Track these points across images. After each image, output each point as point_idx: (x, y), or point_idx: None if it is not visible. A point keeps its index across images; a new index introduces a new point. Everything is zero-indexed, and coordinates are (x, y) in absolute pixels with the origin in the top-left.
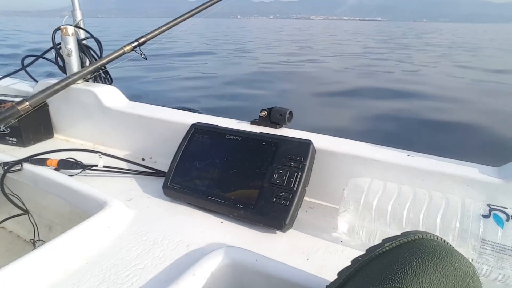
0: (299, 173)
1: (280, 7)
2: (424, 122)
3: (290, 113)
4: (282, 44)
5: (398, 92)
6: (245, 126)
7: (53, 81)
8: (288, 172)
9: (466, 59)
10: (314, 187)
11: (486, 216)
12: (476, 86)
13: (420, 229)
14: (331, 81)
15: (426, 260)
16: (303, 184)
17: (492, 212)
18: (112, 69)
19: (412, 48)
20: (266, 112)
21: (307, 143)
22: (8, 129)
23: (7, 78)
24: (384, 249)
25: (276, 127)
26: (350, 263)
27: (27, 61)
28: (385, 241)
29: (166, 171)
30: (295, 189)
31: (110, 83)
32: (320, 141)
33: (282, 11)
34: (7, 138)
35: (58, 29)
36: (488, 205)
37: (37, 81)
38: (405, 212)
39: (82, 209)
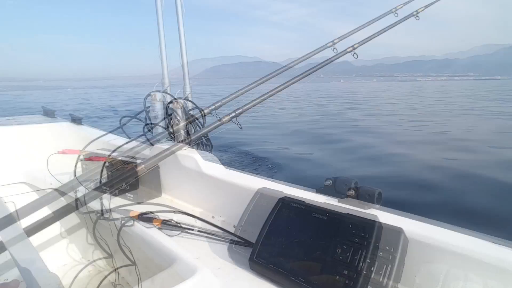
0: (390, 265)
1: (383, 70)
2: None
3: (379, 193)
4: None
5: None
6: (332, 202)
7: (165, 146)
8: (382, 265)
9: None
10: None
11: None
12: None
13: None
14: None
15: None
16: (394, 279)
17: None
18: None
19: None
20: (352, 190)
21: (398, 231)
22: (128, 186)
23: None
24: None
25: (364, 207)
26: None
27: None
28: None
29: (253, 241)
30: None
31: (211, 149)
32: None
33: (385, 73)
34: (127, 194)
35: (149, 95)
36: None
37: (152, 144)
38: None
39: (176, 271)
